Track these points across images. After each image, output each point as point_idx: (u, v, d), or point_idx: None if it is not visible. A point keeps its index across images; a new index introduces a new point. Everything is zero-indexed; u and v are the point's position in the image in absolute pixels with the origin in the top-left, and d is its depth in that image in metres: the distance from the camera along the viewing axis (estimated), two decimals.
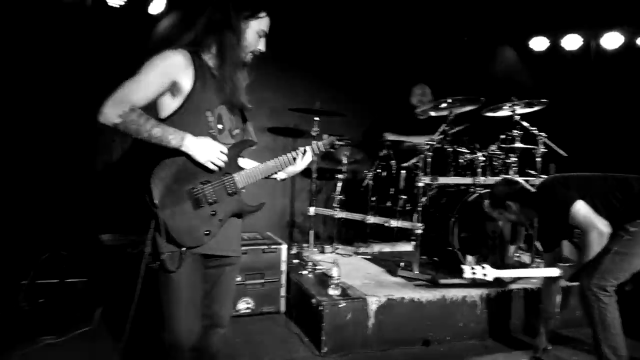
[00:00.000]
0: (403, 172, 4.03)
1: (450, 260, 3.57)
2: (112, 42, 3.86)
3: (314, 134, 3.88)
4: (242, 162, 1.86)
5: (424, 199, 3.61)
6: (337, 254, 4.22)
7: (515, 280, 3.37)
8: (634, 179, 2.56)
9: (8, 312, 3.10)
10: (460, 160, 3.84)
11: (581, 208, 2.51)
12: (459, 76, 4.91)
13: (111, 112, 1.57)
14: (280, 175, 1.96)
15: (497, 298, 3.24)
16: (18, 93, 3.67)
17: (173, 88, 1.67)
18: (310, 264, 3.61)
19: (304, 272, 3.51)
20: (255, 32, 1.79)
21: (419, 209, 3.56)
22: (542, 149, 3.78)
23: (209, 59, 1.78)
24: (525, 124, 3.80)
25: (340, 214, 4.00)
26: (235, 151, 1.80)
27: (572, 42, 4.92)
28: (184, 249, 1.67)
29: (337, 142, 2.01)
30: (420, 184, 3.59)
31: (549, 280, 2.84)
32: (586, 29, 4.86)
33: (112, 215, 3.82)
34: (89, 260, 3.42)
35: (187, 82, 1.68)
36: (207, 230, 1.70)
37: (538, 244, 3.71)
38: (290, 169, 1.92)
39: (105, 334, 2.96)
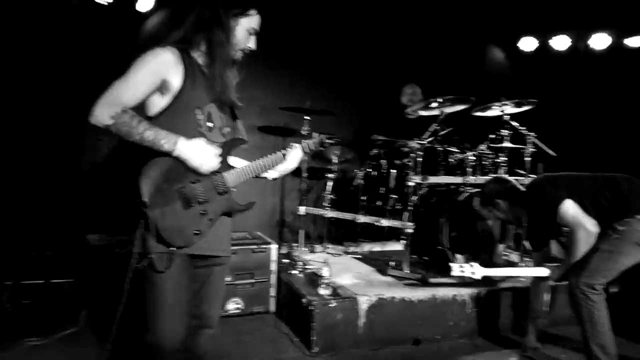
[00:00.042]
0: (393, 171, 4.03)
1: (441, 259, 3.57)
2: (99, 40, 3.80)
3: (304, 132, 3.86)
4: (232, 160, 1.84)
5: (414, 198, 3.61)
6: (327, 253, 4.21)
7: (504, 279, 3.39)
8: (622, 178, 2.58)
9: None
10: (451, 160, 3.86)
11: (570, 207, 2.53)
12: (449, 76, 4.92)
13: (103, 114, 1.55)
14: (271, 175, 1.94)
15: (486, 297, 3.25)
16: (2, 92, 3.60)
17: (162, 86, 1.65)
18: (300, 263, 3.59)
19: (294, 272, 3.49)
20: (245, 30, 1.77)
21: (410, 208, 3.56)
22: (531, 149, 3.81)
23: (199, 57, 1.76)
24: (514, 123, 3.83)
25: (330, 214, 3.99)
26: (225, 150, 1.77)
27: (560, 42, 4.96)
28: (173, 248, 1.64)
29: (327, 141, 2.00)
30: (411, 183, 3.59)
31: (538, 279, 2.86)
32: (574, 30, 4.90)
33: (99, 215, 3.76)
34: (75, 261, 3.36)
35: (176, 80, 1.66)
36: (197, 230, 1.68)
37: (527, 243, 3.74)
38: (280, 168, 1.91)
39: (91, 335, 2.92)
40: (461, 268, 2.62)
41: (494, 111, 3.93)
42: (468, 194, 3.66)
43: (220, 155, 1.73)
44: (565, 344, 3.09)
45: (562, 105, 4.87)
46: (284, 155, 1.88)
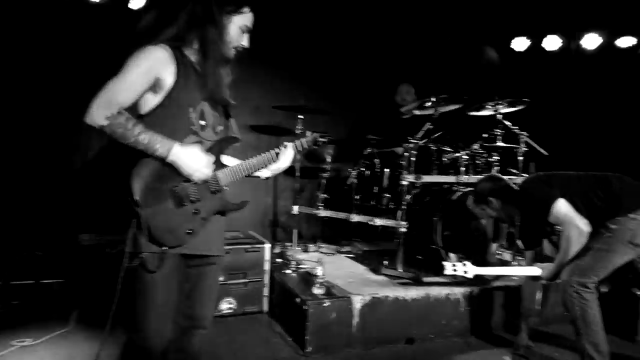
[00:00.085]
0: (387, 170, 4.03)
1: (434, 258, 3.58)
2: (91, 38, 3.77)
3: (297, 132, 3.85)
4: (225, 159, 1.82)
5: (407, 198, 3.61)
6: (321, 252, 4.20)
7: (496, 278, 3.40)
8: (614, 177, 2.60)
9: None
10: (444, 159, 3.86)
11: (562, 206, 2.54)
12: (443, 76, 4.93)
13: (98, 114, 1.54)
14: (264, 174, 1.93)
15: (479, 296, 3.26)
16: None
17: (156, 84, 1.63)
18: (293, 263, 3.58)
19: (288, 272, 3.48)
20: (238, 28, 1.76)
21: (403, 207, 3.56)
22: (523, 148, 3.83)
23: (191, 55, 1.74)
24: (507, 123, 3.85)
25: (324, 213, 3.99)
26: (218, 148, 1.76)
27: (552, 42, 5.00)
28: (165, 248, 1.63)
29: (320, 139, 1.99)
30: (404, 183, 3.59)
31: (530, 278, 2.87)
32: (566, 31, 4.93)
33: (90, 215, 3.73)
34: (66, 261, 3.33)
35: (169, 78, 1.64)
36: (189, 229, 1.66)
37: (519, 242, 3.76)
38: (273, 167, 1.90)
39: (83, 336, 2.88)
40: (454, 267, 2.63)
41: (487, 110, 3.95)
42: (461, 193, 3.67)
43: (214, 163, 1.71)
44: (557, 342, 3.11)
45: (554, 105, 4.90)
46: (277, 154, 1.87)
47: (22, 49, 3.65)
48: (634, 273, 2.65)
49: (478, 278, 2.84)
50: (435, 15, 4.99)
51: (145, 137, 1.56)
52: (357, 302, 2.95)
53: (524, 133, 3.84)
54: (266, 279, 3.46)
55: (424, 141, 3.79)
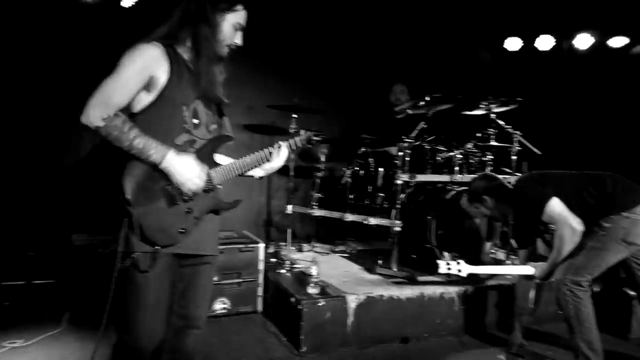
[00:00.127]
0: (381, 170, 4.04)
1: (428, 257, 3.58)
2: (82, 37, 3.74)
3: (291, 131, 3.84)
4: (218, 158, 1.81)
5: (402, 197, 3.61)
6: (315, 252, 4.19)
7: (490, 277, 3.41)
8: (607, 176, 2.61)
9: None
10: (438, 158, 3.87)
11: (556, 205, 2.55)
12: (437, 75, 4.94)
13: (95, 115, 1.52)
14: (258, 173, 1.92)
15: (473, 295, 3.27)
16: None
17: (149, 83, 1.62)
18: (288, 262, 3.57)
19: (282, 271, 3.47)
20: (231, 25, 1.74)
21: (397, 206, 3.56)
22: (517, 147, 3.84)
23: (184, 53, 1.73)
24: (500, 122, 3.86)
25: (318, 212, 3.98)
26: (211, 146, 1.75)
27: (544, 42, 5.02)
28: (157, 247, 1.61)
29: (314, 138, 1.99)
30: (399, 182, 3.59)
31: (523, 277, 2.87)
32: (558, 31, 4.96)
33: (83, 215, 3.70)
34: (58, 261, 3.30)
35: (162, 76, 1.63)
36: (182, 229, 1.65)
37: (513, 241, 3.78)
38: (267, 166, 1.89)
39: (75, 337, 2.86)
40: (448, 265, 2.64)
41: (480, 110, 3.96)
42: (455, 192, 3.67)
43: (207, 162, 1.70)
44: (550, 341, 3.12)
45: (547, 104, 4.92)
46: (270, 152, 1.86)
47: (13, 49, 3.61)
48: (627, 272, 2.66)
49: (472, 277, 2.85)
50: (428, 15, 5.00)
51: (140, 142, 1.55)
52: (352, 302, 2.95)
53: (518, 132, 3.85)
54: (260, 278, 3.45)
55: (418, 142, 3.79)
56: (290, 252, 3.96)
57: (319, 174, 4.13)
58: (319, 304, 2.88)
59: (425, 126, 3.87)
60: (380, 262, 3.61)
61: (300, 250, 4.23)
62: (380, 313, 3.02)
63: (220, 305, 3.31)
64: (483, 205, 2.92)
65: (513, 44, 5.16)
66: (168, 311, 1.72)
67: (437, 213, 3.61)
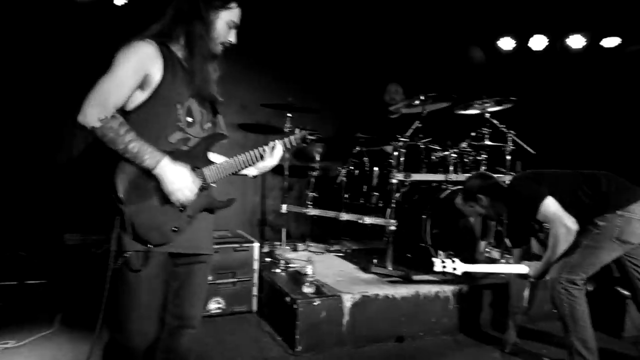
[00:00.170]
0: (376, 169, 4.03)
1: (423, 256, 3.58)
2: (74, 35, 3.71)
3: (286, 130, 3.83)
4: (212, 157, 1.80)
5: (397, 196, 3.61)
6: (310, 251, 4.18)
7: (485, 275, 3.41)
8: (602, 174, 2.62)
9: None
10: (433, 157, 3.87)
11: (551, 204, 2.55)
12: (431, 75, 4.95)
13: (92, 115, 1.51)
14: (252, 172, 1.91)
15: (468, 294, 3.27)
16: None
17: (144, 80, 1.61)
18: (282, 262, 3.56)
19: (277, 271, 3.46)
20: (225, 23, 1.74)
21: (392, 205, 3.56)
22: (511, 147, 3.85)
23: (178, 51, 1.72)
24: (494, 121, 3.87)
25: (313, 212, 3.97)
26: (205, 144, 1.74)
27: (538, 42, 5.04)
28: (150, 246, 1.60)
29: (309, 137, 1.98)
30: (394, 181, 3.59)
31: (518, 276, 2.88)
32: (551, 31, 4.98)
33: (75, 214, 3.67)
34: (50, 261, 3.27)
35: (156, 74, 1.62)
36: (175, 227, 1.63)
37: (507, 241, 3.79)
38: (261, 165, 1.88)
39: (67, 337, 2.83)
40: (443, 263, 2.64)
41: (475, 109, 3.97)
42: (450, 191, 3.68)
43: (201, 159, 1.69)
44: (544, 339, 3.13)
45: (541, 104, 4.94)
46: (265, 151, 1.85)
47: (3, 47, 3.57)
48: (621, 271, 2.67)
49: (466, 275, 2.86)
50: (422, 15, 5.00)
51: (135, 146, 1.53)
52: (347, 301, 2.94)
53: (512, 132, 3.86)
54: (255, 278, 3.43)
55: (412, 142, 3.79)
56: (284, 251, 3.95)
57: (314, 173, 4.12)
58: (315, 304, 2.87)
59: (420, 125, 3.87)
60: (375, 261, 3.61)
61: (294, 249, 4.21)
62: (376, 312, 3.01)
63: (214, 305, 3.29)
64: (478, 204, 2.92)
65: (506, 43, 5.17)
66: (162, 310, 1.71)
67: (432, 212, 3.62)
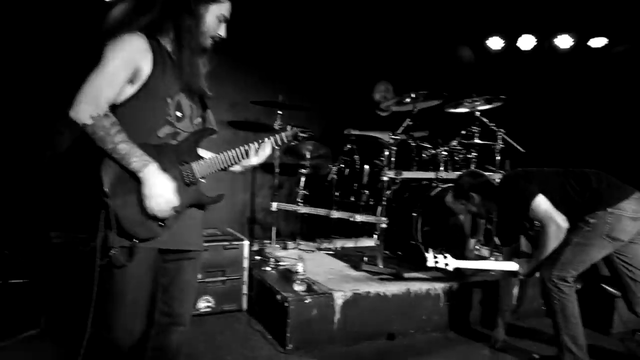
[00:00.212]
0: (367, 167, 4.03)
1: (414, 253, 3.59)
2: (58, 28, 3.64)
3: (276, 127, 3.80)
4: (201, 152, 1.77)
5: (387, 193, 3.61)
6: (300, 250, 4.16)
7: (475, 273, 3.43)
8: (592, 172, 2.64)
9: None
10: (423, 155, 3.87)
11: (541, 202, 2.56)
12: (420, 74, 4.95)
13: (85, 111, 1.47)
14: (236, 168, 1.86)
15: (458, 291, 3.28)
16: None
17: (133, 74, 1.58)
18: (272, 260, 3.54)
19: (267, 269, 3.44)
20: (215, 17, 1.71)
21: (383, 203, 3.55)
22: (500, 145, 3.87)
23: (167, 44, 1.69)
24: (484, 120, 3.89)
25: (303, 209, 3.95)
26: (194, 139, 1.71)
27: (526, 42, 5.08)
28: (136, 241, 1.56)
29: (301, 134, 1.96)
30: (385, 179, 3.58)
31: (507, 274, 2.89)
32: (539, 31, 5.02)
33: (61, 212, 3.60)
34: (35, 260, 3.20)
35: (146, 67, 1.59)
36: (161, 221, 1.60)
37: (496, 239, 3.81)
38: (245, 162, 1.81)
39: (53, 337, 2.78)
40: (435, 259, 2.65)
41: (465, 108, 3.98)
42: (440, 189, 3.68)
43: (190, 155, 1.67)
44: (533, 336, 3.15)
45: (530, 103, 4.98)
46: (255, 147, 1.82)
47: None
48: (611, 270, 2.69)
49: (457, 273, 2.86)
50: (411, 14, 5.01)
51: (124, 148, 1.50)
52: (339, 299, 2.93)
53: (501, 130, 3.88)
54: (245, 276, 3.40)
55: (407, 137, 3.79)
56: (274, 249, 3.92)
57: (304, 171, 4.10)
58: (306, 301, 2.85)
59: (411, 123, 3.88)
60: (366, 259, 3.60)
61: (285, 248, 4.19)
62: (367, 310, 3.00)
63: (204, 304, 3.26)
64: (469, 202, 2.93)
65: (495, 43, 5.20)
66: (150, 307, 1.68)
67: (423, 210, 3.62)
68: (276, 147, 1.89)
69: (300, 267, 3.02)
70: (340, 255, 4.05)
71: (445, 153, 3.84)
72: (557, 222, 2.53)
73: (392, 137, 3.60)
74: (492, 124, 3.89)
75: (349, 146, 4.17)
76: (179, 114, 1.68)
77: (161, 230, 1.60)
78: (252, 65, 4.51)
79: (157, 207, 1.55)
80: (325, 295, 2.92)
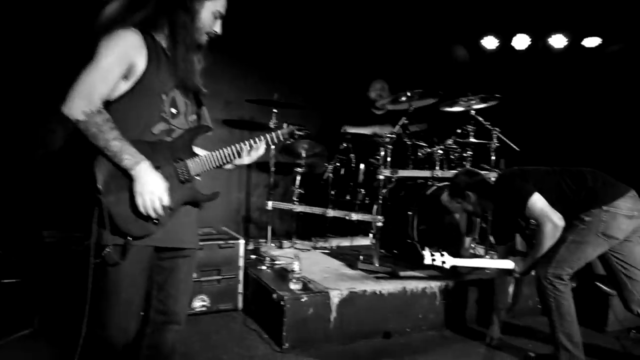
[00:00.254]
0: (362, 165, 4.02)
1: (410, 252, 3.58)
2: (50, 25, 3.60)
3: (272, 126, 3.79)
4: (196, 150, 1.75)
5: (383, 192, 3.60)
6: (296, 248, 4.15)
7: (471, 271, 3.43)
8: (587, 171, 2.65)
9: None
10: (419, 154, 3.87)
11: (537, 201, 2.57)
12: (415, 73, 4.96)
13: (78, 107, 1.46)
14: (228, 165, 1.85)
15: (454, 289, 3.28)
16: None
17: (128, 70, 1.56)
18: (268, 259, 3.53)
19: (263, 268, 3.42)
20: (210, 13, 1.69)
21: (379, 202, 3.55)
22: (495, 144, 3.88)
23: (162, 40, 1.67)
24: (479, 118, 3.89)
25: (299, 208, 3.94)
26: (189, 136, 1.69)
27: (521, 41, 5.10)
28: (129, 239, 1.55)
29: (297, 132, 1.95)
30: (381, 177, 3.57)
31: (502, 272, 2.90)
32: (534, 30, 5.04)
33: (54, 211, 3.57)
34: (28, 259, 3.17)
35: (140, 63, 1.57)
36: (155, 219, 1.58)
37: (492, 238, 3.81)
38: (237, 161, 1.80)
39: (46, 337, 2.75)
40: (432, 257, 2.65)
41: (460, 106, 3.98)
42: (436, 187, 3.68)
43: (185, 152, 1.65)
44: (529, 334, 3.15)
45: (525, 102, 5.00)
46: (250, 145, 1.81)
47: None
48: (606, 268, 2.70)
49: (453, 271, 2.86)
50: (407, 13, 5.02)
51: (117, 145, 1.48)
52: (335, 297, 2.92)
53: (497, 129, 3.89)
54: (240, 275, 3.39)
55: (400, 131, 3.78)
56: (270, 248, 3.91)
57: (300, 170, 4.09)
58: (302, 300, 2.84)
59: (407, 121, 3.87)
60: (362, 257, 3.60)
61: (280, 246, 4.18)
62: (363, 308, 3.00)
63: (199, 303, 3.24)
64: (465, 200, 2.92)
65: (490, 42, 5.21)
66: (144, 306, 1.66)
67: (418, 208, 3.62)
68: (272, 145, 1.88)
69: (296, 266, 3.01)
70: (336, 254, 4.04)
71: (441, 152, 3.84)
72: (553, 220, 2.53)
73: (390, 135, 3.59)
74: (487, 123, 3.89)
75: (344, 145, 4.16)
76: (173, 110, 1.66)
77: (155, 228, 1.59)
78: (247, 64, 4.50)
79: (149, 204, 1.53)
80: (322, 294, 2.91)
